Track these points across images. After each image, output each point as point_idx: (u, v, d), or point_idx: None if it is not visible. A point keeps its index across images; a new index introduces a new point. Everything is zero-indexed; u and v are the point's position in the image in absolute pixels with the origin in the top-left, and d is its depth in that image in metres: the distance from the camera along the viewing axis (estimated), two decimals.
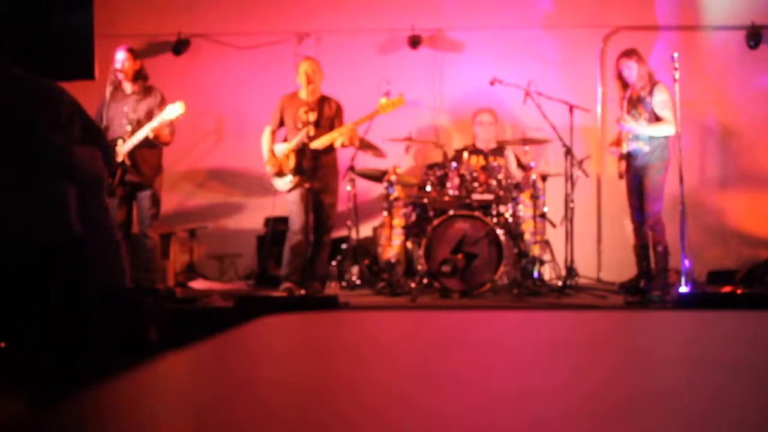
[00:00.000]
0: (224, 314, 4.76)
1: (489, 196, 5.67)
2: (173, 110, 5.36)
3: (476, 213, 5.51)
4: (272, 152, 5.73)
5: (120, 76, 5.52)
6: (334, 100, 5.77)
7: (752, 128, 6.94)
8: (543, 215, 5.90)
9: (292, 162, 5.64)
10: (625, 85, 5.61)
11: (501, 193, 5.69)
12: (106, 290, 2.75)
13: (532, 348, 1.24)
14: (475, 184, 5.68)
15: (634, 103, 5.54)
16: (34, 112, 2.74)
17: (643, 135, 5.48)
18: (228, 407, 0.79)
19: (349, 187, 6.23)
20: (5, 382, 2.42)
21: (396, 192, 6.02)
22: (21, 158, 2.67)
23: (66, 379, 2.41)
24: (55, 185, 2.68)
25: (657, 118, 5.48)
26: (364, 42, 7.13)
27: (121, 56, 5.53)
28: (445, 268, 5.40)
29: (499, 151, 6.11)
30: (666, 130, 5.46)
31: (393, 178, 5.98)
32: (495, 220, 5.58)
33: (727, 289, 5.67)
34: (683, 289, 5.10)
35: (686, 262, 5.15)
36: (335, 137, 5.63)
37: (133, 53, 5.62)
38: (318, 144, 5.62)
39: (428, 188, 5.80)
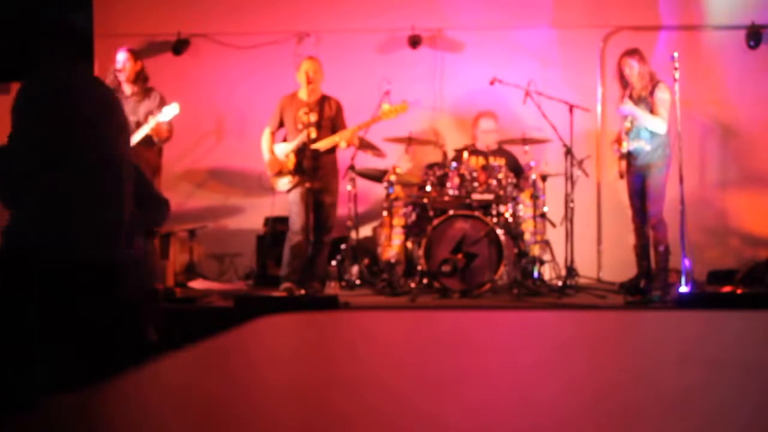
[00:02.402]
0: (224, 314, 4.76)
1: (489, 196, 5.67)
2: (169, 111, 5.38)
3: (476, 213, 5.50)
4: (272, 152, 5.73)
5: (121, 77, 5.52)
6: (334, 99, 5.76)
7: (752, 128, 6.94)
8: (543, 215, 5.90)
9: (292, 162, 5.64)
10: (625, 84, 5.61)
11: (501, 193, 5.69)
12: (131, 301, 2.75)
13: (532, 348, 1.24)
14: (475, 184, 5.68)
15: (636, 103, 5.54)
16: (109, 120, 2.73)
17: (641, 126, 5.47)
18: (228, 407, 0.79)
19: (349, 187, 6.23)
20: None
21: (396, 192, 6.02)
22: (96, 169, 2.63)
23: (65, 380, 2.40)
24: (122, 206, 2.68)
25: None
26: (364, 42, 7.13)
27: (122, 57, 5.53)
28: (445, 268, 5.39)
29: (499, 151, 6.11)
30: (658, 125, 5.45)
31: (393, 178, 5.98)
32: (495, 220, 5.58)
33: (727, 289, 5.67)
34: (683, 289, 5.10)
35: (686, 262, 5.15)
36: (336, 141, 5.63)
37: (134, 54, 5.61)
38: (319, 146, 5.61)
39: (428, 188, 5.80)
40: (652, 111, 5.47)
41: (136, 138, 5.38)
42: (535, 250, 5.82)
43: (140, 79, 5.61)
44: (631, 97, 5.57)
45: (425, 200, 5.83)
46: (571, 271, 5.82)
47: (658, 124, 5.45)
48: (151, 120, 5.40)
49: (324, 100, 5.73)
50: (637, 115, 5.47)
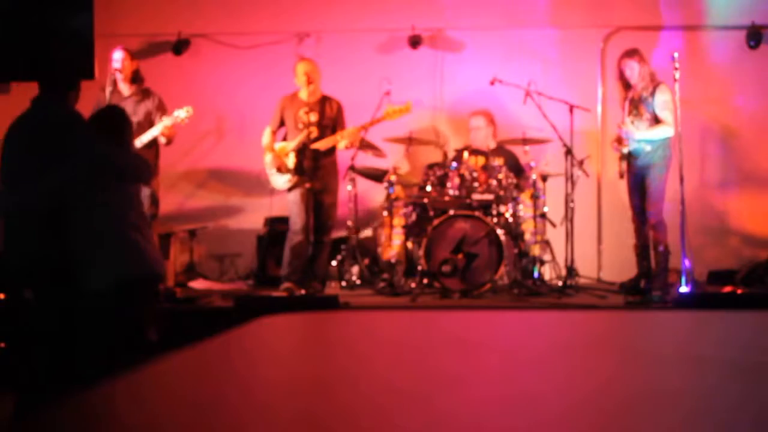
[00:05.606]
0: (224, 314, 4.77)
1: (489, 196, 5.67)
2: (182, 112, 5.38)
3: (476, 213, 5.50)
4: (273, 149, 5.73)
5: (119, 76, 5.51)
6: (335, 100, 5.76)
7: (752, 128, 6.93)
8: (543, 215, 5.90)
9: (292, 161, 5.64)
10: (627, 86, 5.59)
11: (501, 193, 5.69)
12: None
13: (531, 348, 1.24)
14: (475, 184, 5.68)
15: (636, 104, 5.54)
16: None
17: (643, 139, 5.49)
18: (228, 407, 0.79)
19: (349, 187, 6.22)
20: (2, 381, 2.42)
21: (396, 192, 6.02)
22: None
23: (64, 380, 2.41)
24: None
25: (657, 120, 5.48)
26: (364, 42, 7.12)
27: (118, 55, 5.53)
28: (445, 268, 5.39)
29: (499, 151, 6.10)
30: (664, 132, 5.46)
31: (393, 178, 5.97)
32: (495, 220, 5.58)
33: (727, 289, 5.67)
34: (683, 289, 5.10)
35: (686, 262, 5.14)
36: (338, 140, 5.63)
37: (130, 53, 5.62)
38: (320, 145, 5.61)
39: (428, 188, 5.80)
40: (654, 114, 5.47)
41: (143, 138, 5.39)
42: (536, 250, 5.82)
43: (137, 79, 5.61)
44: (632, 98, 5.56)
45: (425, 200, 5.83)
46: (571, 271, 5.82)
47: (663, 132, 5.46)
48: (166, 119, 5.39)
49: (325, 100, 5.73)
50: (639, 136, 5.46)
